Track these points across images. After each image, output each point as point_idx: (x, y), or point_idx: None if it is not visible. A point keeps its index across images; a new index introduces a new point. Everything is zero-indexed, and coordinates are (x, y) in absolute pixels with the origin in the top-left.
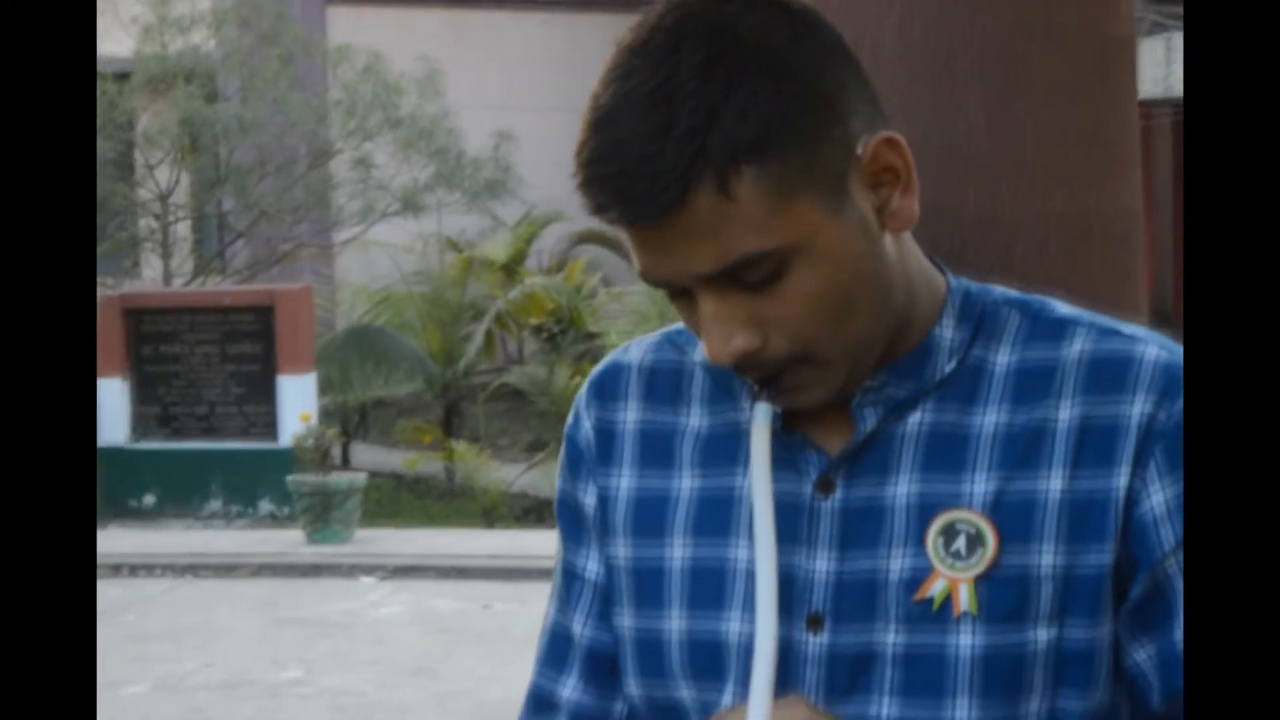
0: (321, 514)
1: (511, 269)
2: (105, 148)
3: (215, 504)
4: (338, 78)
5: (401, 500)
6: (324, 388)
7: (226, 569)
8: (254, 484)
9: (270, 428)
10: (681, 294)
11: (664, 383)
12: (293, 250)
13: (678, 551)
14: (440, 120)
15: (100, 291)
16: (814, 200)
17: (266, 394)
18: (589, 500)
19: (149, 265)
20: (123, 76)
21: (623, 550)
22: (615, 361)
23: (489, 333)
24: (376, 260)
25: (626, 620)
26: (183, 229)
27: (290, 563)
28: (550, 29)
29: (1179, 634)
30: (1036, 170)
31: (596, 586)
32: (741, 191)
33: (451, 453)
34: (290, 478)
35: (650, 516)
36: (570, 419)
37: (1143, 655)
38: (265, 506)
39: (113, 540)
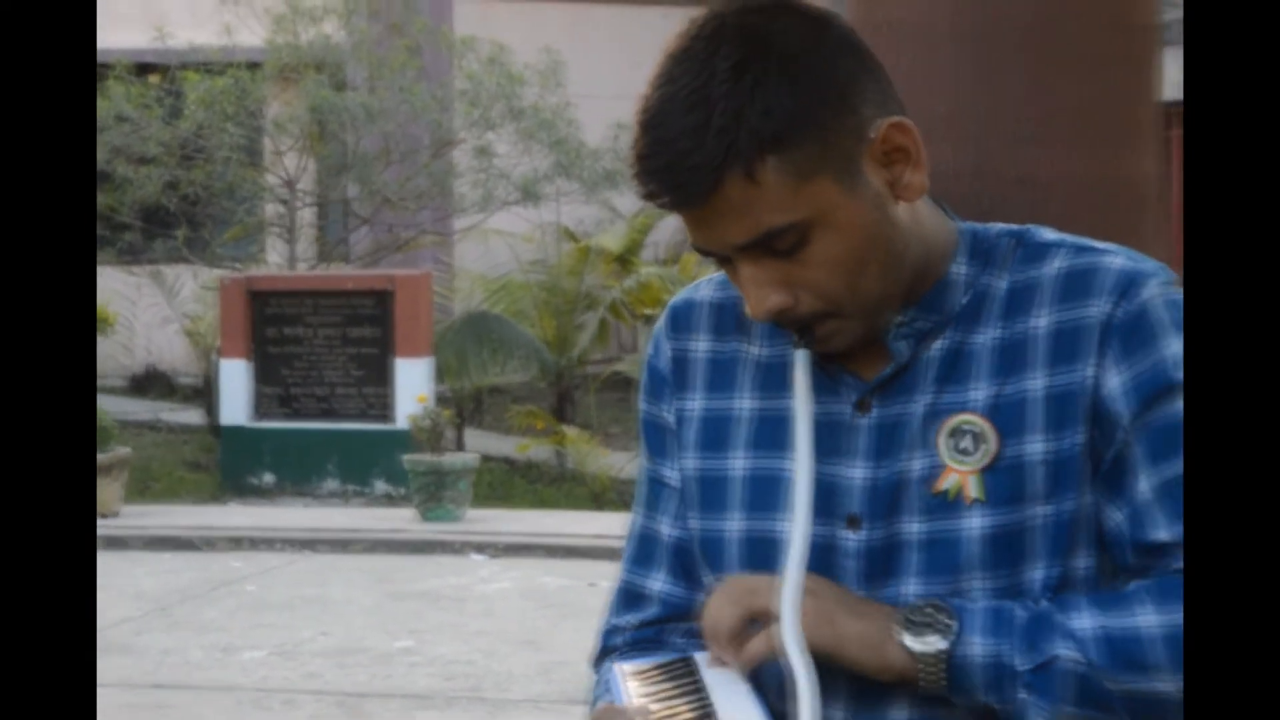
0: (434, 492)
1: (627, 259)
2: (236, 134)
3: (332, 483)
4: (462, 68)
5: (513, 484)
6: (442, 374)
7: (342, 544)
8: (370, 464)
9: (387, 409)
10: (726, 260)
11: (729, 316)
12: (414, 237)
13: (739, 463)
14: (561, 111)
15: (227, 275)
16: (829, 180)
17: (384, 377)
18: (670, 418)
19: (274, 250)
20: (254, 66)
21: (692, 462)
22: (688, 298)
23: (603, 322)
24: (495, 248)
25: (695, 523)
26: (308, 215)
27: (404, 539)
28: (671, 22)
29: (1142, 485)
30: (1067, 137)
31: (681, 493)
32: (766, 177)
33: (563, 438)
34: (406, 456)
35: (716, 432)
36: (650, 348)
37: (1119, 517)
38: (380, 486)
39: (233, 515)
